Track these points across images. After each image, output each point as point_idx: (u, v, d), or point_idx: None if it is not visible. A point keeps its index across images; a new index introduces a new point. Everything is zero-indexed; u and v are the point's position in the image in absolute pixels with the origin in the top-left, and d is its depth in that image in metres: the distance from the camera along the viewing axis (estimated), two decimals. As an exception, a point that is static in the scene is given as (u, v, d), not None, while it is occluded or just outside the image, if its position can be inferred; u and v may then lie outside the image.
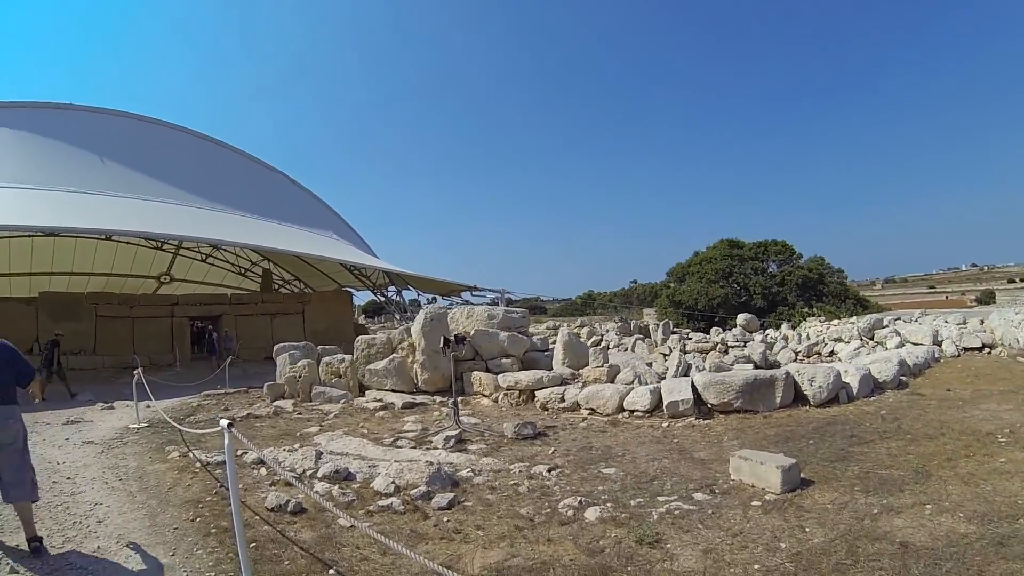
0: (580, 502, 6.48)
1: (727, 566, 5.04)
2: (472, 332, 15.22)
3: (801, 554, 5.13)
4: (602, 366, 13.65)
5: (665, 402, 10.69)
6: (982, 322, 19.16)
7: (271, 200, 37.04)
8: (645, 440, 9.36)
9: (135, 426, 12.36)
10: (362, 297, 47.01)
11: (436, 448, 9.28)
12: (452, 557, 5.34)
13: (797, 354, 19.69)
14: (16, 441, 6.04)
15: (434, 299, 40.67)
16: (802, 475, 6.91)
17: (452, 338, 11.49)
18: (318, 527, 6.16)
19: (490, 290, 37.12)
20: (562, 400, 12.12)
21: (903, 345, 17.52)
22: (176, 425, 9.78)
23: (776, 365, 16.82)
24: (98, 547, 5.85)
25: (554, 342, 16.90)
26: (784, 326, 29.36)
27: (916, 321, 21.82)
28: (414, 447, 9.51)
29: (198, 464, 8.77)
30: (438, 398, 14.11)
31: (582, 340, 18.40)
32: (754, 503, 6.35)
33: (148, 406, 13.60)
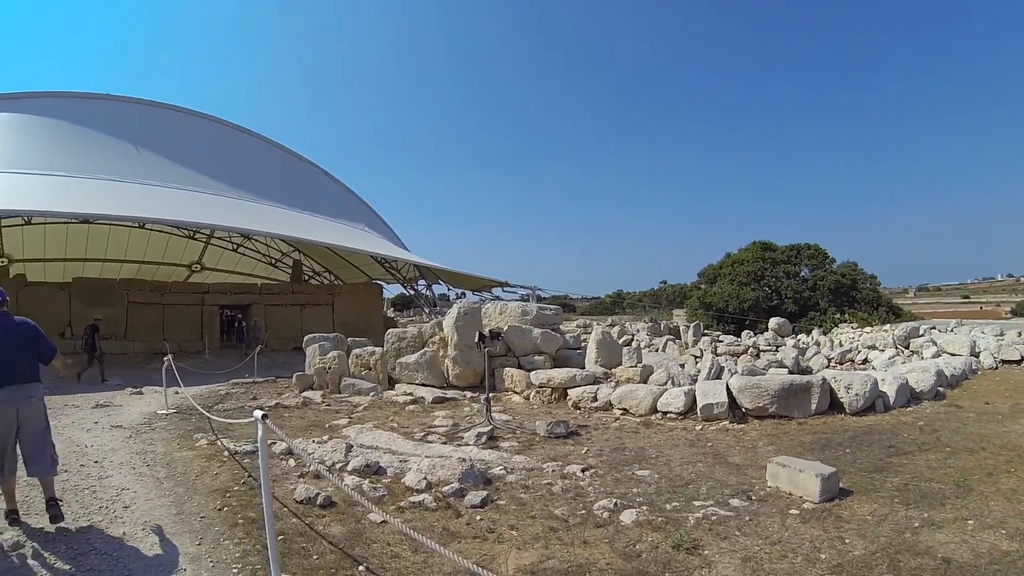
0: (615, 504, 6.37)
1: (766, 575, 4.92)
2: (505, 328, 15.14)
3: (842, 566, 4.99)
4: (635, 366, 13.49)
5: (699, 405, 10.52)
6: (1020, 334, 18.80)
7: (303, 191, 37.25)
8: (679, 443, 9.22)
9: (163, 412, 12.46)
10: (391, 291, 47.16)
11: (467, 444, 9.20)
12: (486, 557, 5.26)
13: (830, 360, 19.45)
14: (39, 418, 6.22)
15: (462, 294, 40.63)
16: (840, 485, 6.75)
17: (487, 333, 11.42)
18: (348, 522, 6.09)
19: (521, 286, 37.07)
20: (595, 399, 11.99)
21: (939, 355, 17.19)
22: (205, 413, 9.82)
23: (808, 371, 16.64)
24: (124, 533, 5.86)
25: (585, 340, 16.78)
26: (815, 331, 29.02)
27: (951, 331, 21.45)
28: (445, 443, 9.44)
29: (226, 453, 8.78)
30: (468, 393, 14.04)
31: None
32: (792, 511, 6.20)
33: (177, 392, 13.70)
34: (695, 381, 12.08)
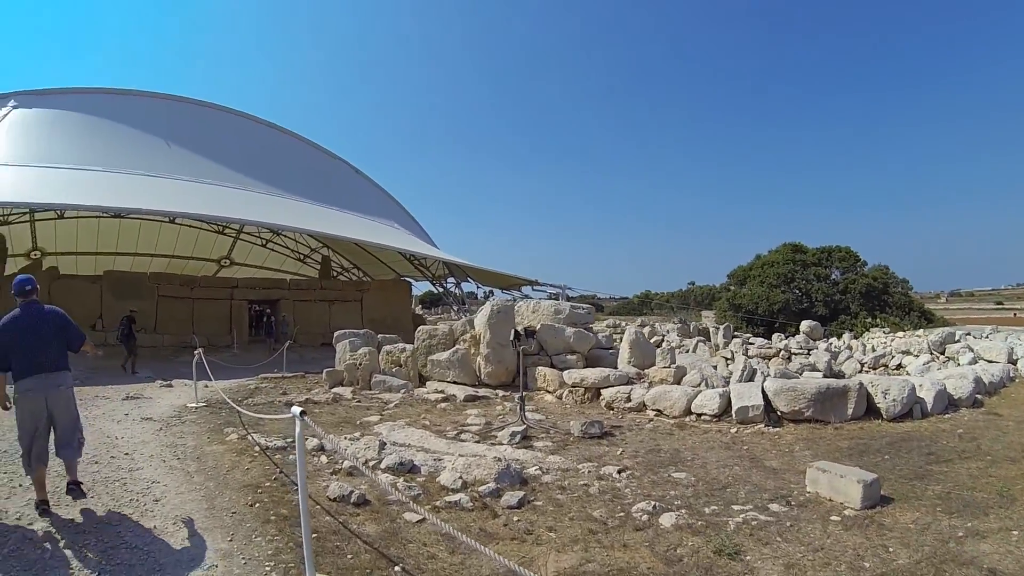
0: (654, 507, 6.30)
1: (811, 584, 4.83)
2: (538, 326, 15.07)
3: (887, 575, 4.90)
4: (669, 367, 13.39)
5: (734, 407, 10.42)
6: (1059, 342, 18.54)
7: (332, 187, 37.43)
8: (714, 445, 9.12)
9: (193, 405, 12.54)
10: (419, 288, 47.22)
11: (501, 444, 9.14)
12: (524, 559, 5.18)
13: (863, 365, 19.27)
14: (69, 406, 6.43)
15: (490, 293, 40.61)
16: (881, 492, 6.64)
17: (523, 331, 11.36)
18: (382, 521, 6.04)
19: (551, 285, 36.94)
20: (628, 400, 11.91)
21: (976, 362, 16.97)
22: (236, 407, 9.85)
23: (841, 375, 16.47)
24: (154, 527, 5.85)
25: (616, 340, 16.69)
26: (846, 335, 28.77)
27: (987, 337, 21.20)
28: (478, 441, 9.39)
29: (257, 448, 8.77)
30: (500, 392, 14.00)
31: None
32: (833, 518, 6.10)
33: (206, 386, 13.78)
34: (727, 383, 11.96)
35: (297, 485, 6.70)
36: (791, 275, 42.04)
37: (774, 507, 6.43)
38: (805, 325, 26.48)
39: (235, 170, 32.64)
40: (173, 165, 30.17)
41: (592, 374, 12.96)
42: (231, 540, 5.49)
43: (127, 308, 22.01)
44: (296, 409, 4.83)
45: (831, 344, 25.10)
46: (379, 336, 17.56)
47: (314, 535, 5.44)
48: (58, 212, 30.80)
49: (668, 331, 31.57)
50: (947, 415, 10.89)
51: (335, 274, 43.95)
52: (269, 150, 36.55)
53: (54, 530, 5.68)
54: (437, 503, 6.53)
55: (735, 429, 10.02)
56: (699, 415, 10.80)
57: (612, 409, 11.94)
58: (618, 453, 8.70)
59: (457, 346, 15.41)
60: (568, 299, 33.10)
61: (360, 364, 15.19)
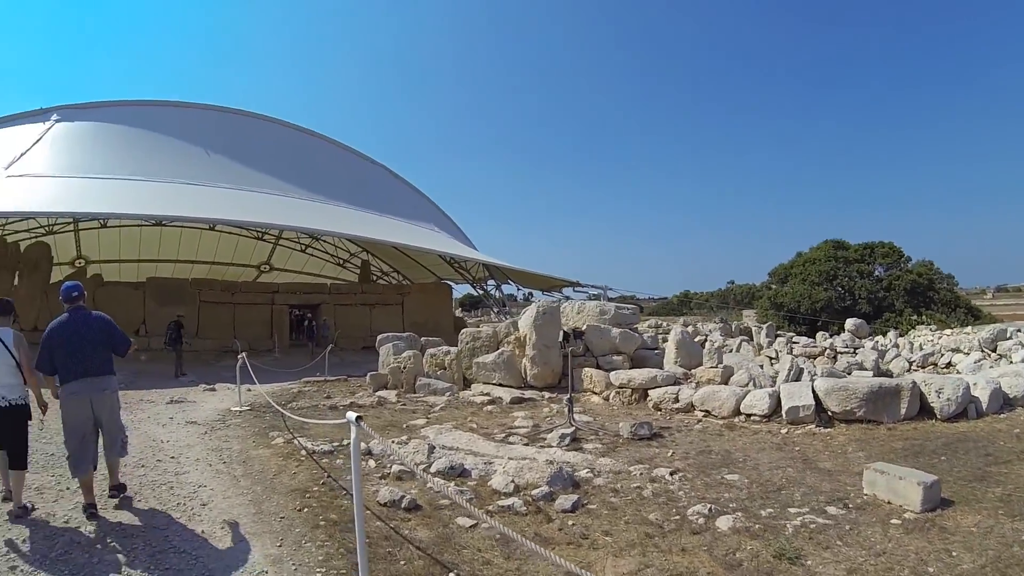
0: (710, 510, 6.24)
1: (874, 589, 4.75)
2: (584, 327, 15.02)
3: (952, 580, 4.79)
4: (716, 367, 13.25)
5: (784, 407, 10.28)
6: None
7: (370, 192, 37.62)
8: (765, 446, 9.02)
9: (237, 409, 12.67)
10: (458, 291, 47.26)
11: (551, 446, 9.09)
12: (581, 564, 5.13)
13: (911, 364, 18.88)
14: (114, 409, 6.62)
15: (530, 294, 40.53)
16: (941, 494, 6.50)
17: (570, 332, 11.32)
18: (435, 526, 6.04)
19: (592, 286, 36.68)
20: (676, 400, 11.82)
21: (1031, 359, 16.58)
22: (282, 410, 9.90)
23: (889, 374, 16.18)
24: (202, 531, 5.91)
25: (661, 340, 16.60)
26: (891, 333, 28.29)
27: (1039, 334, 20.70)
28: (527, 444, 9.35)
29: (303, 452, 8.82)
30: (546, 394, 13.92)
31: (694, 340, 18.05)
32: (893, 521, 5.99)
33: (249, 389, 13.87)
34: (775, 383, 11.82)
35: (346, 490, 6.75)
36: (833, 272, 41.38)
37: (831, 510, 6.33)
38: (850, 323, 26.08)
39: (274, 176, 32.99)
40: (212, 173, 30.58)
41: (639, 375, 12.87)
42: (280, 545, 5.52)
43: (170, 314, 22.46)
44: (351, 414, 4.80)
45: (877, 342, 24.72)
46: (422, 339, 17.61)
47: (365, 541, 5.46)
48: (101, 221, 31.49)
49: (711, 331, 31.30)
50: (1003, 415, 10.60)
51: (375, 278, 44.21)
52: (306, 156, 36.93)
53: (102, 533, 5.76)
54: (490, 507, 6.49)
55: (785, 430, 9.88)
56: (748, 415, 10.68)
57: (660, 410, 11.86)
58: (669, 455, 8.62)
59: (502, 348, 15.39)
60: (608, 300, 33.03)
61: (404, 367, 15.24)
